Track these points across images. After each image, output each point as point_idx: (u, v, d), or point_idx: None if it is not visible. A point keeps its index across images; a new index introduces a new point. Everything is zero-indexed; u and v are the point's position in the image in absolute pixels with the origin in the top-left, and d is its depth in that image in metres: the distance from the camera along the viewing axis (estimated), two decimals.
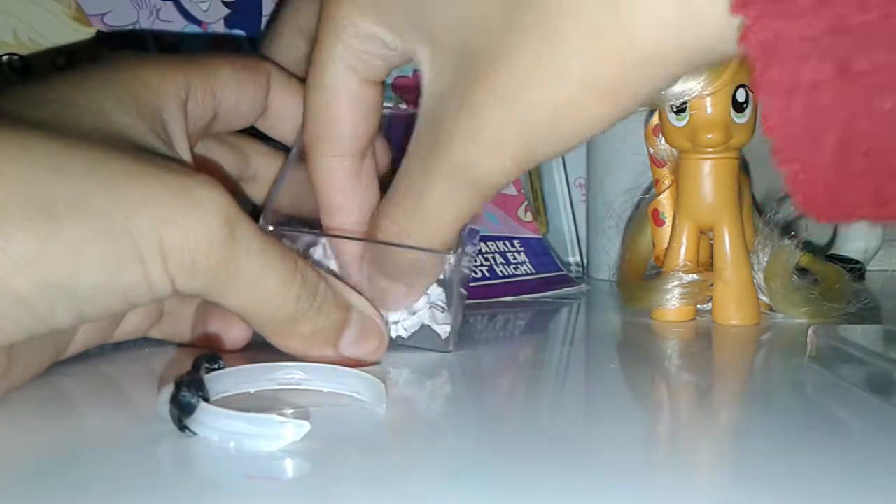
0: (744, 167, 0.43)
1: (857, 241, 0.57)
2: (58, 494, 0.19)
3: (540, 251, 0.52)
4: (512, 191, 0.52)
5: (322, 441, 0.22)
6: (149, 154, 0.26)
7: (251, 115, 0.33)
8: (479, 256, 0.48)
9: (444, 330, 0.33)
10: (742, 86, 0.39)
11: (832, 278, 0.44)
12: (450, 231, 0.28)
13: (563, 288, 0.51)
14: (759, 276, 0.41)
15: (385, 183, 0.31)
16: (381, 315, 0.31)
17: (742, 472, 0.22)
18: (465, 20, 0.25)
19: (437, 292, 0.32)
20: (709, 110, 0.39)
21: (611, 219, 0.54)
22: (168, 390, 0.23)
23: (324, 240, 0.32)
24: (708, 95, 0.38)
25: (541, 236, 0.53)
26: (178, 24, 0.48)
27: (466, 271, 0.33)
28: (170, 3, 0.47)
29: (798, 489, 0.20)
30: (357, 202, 0.31)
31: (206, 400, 0.23)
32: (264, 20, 0.49)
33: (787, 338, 0.38)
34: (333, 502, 0.19)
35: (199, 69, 0.31)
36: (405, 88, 0.44)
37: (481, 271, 0.48)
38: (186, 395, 0.22)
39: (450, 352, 0.33)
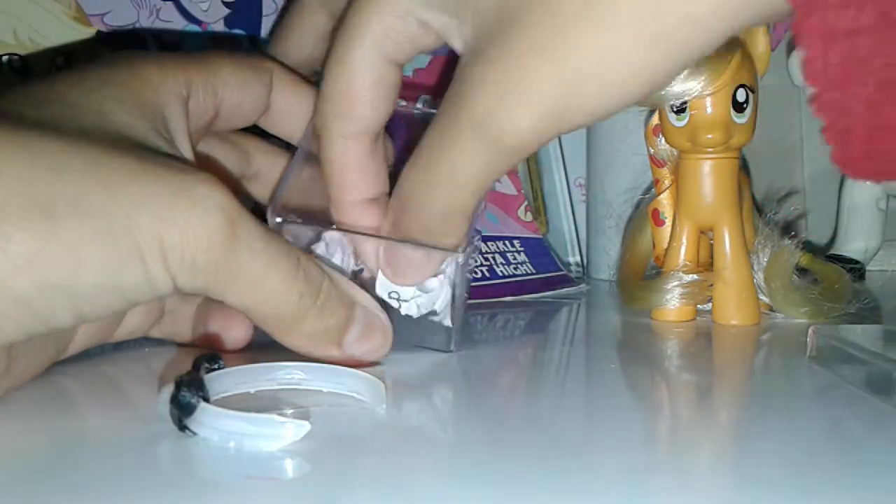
0: (744, 167, 0.43)
1: (857, 241, 0.57)
2: (58, 494, 0.19)
3: (540, 251, 0.52)
4: (512, 191, 0.52)
5: (322, 441, 0.22)
6: (149, 152, 0.26)
7: (253, 113, 0.33)
8: (479, 256, 0.48)
9: (441, 317, 0.32)
10: (742, 85, 0.39)
11: (832, 278, 0.44)
12: (470, 189, 0.28)
13: (563, 288, 0.51)
14: (759, 276, 0.41)
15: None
16: (393, 293, 0.31)
17: (742, 472, 0.22)
18: None
19: (451, 273, 0.32)
20: (709, 110, 0.39)
21: (611, 219, 0.54)
22: (168, 390, 0.23)
23: (326, 235, 0.32)
24: (708, 95, 0.38)
25: (541, 236, 0.53)
26: (177, 24, 0.48)
27: (468, 274, 0.33)
28: (170, 3, 0.47)
29: (798, 489, 0.20)
30: (370, 180, 0.31)
31: (206, 400, 0.23)
32: (264, 20, 0.49)
33: (787, 338, 0.38)
34: (333, 502, 0.19)
35: (200, 67, 0.30)
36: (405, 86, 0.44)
37: (481, 271, 0.48)
38: (186, 395, 0.22)
39: (451, 351, 0.33)
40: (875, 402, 0.27)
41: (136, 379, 0.30)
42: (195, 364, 0.25)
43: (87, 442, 0.23)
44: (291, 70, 0.34)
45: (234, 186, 0.34)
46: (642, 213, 0.46)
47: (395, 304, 0.32)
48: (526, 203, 0.52)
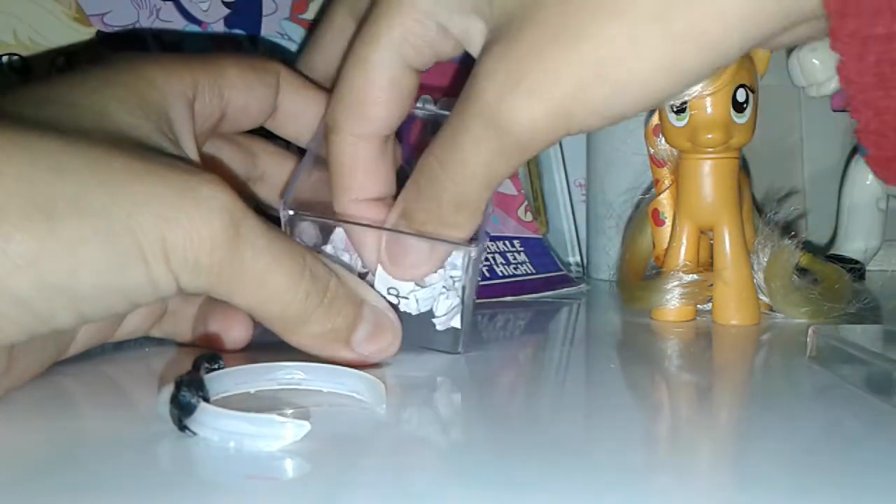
0: (744, 167, 0.43)
1: (857, 241, 0.57)
2: (58, 494, 0.19)
3: (540, 251, 0.52)
4: (512, 191, 0.52)
5: (322, 441, 0.22)
6: (152, 152, 0.26)
7: (260, 115, 0.33)
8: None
9: (442, 322, 0.32)
10: (742, 85, 0.39)
11: (832, 278, 0.44)
12: (480, 181, 0.28)
13: (563, 288, 0.51)
14: (759, 276, 0.41)
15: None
16: (391, 289, 0.31)
17: (742, 472, 0.22)
18: None
19: (450, 272, 0.32)
20: (709, 110, 0.39)
21: (611, 219, 0.54)
22: (168, 390, 0.23)
23: (335, 236, 0.32)
24: (708, 95, 0.38)
25: (541, 236, 0.53)
26: (178, 25, 0.48)
27: (477, 276, 0.33)
28: (170, 3, 0.47)
29: (798, 489, 0.20)
30: (377, 181, 0.31)
31: (206, 400, 0.23)
32: (264, 20, 0.49)
33: (787, 338, 0.38)
34: (333, 502, 0.19)
35: (206, 69, 0.30)
36: None
37: (481, 271, 0.48)
38: (186, 395, 0.22)
39: (459, 353, 0.33)
40: (875, 402, 0.27)
41: (136, 379, 0.30)
42: (195, 364, 0.25)
43: (87, 442, 0.23)
44: (299, 73, 0.34)
45: (239, 187, 0.34)
46: (642, 213, 0.46)
47: (393, 300, 0.31)
48: (526, 203, 0.52)
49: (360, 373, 0.26)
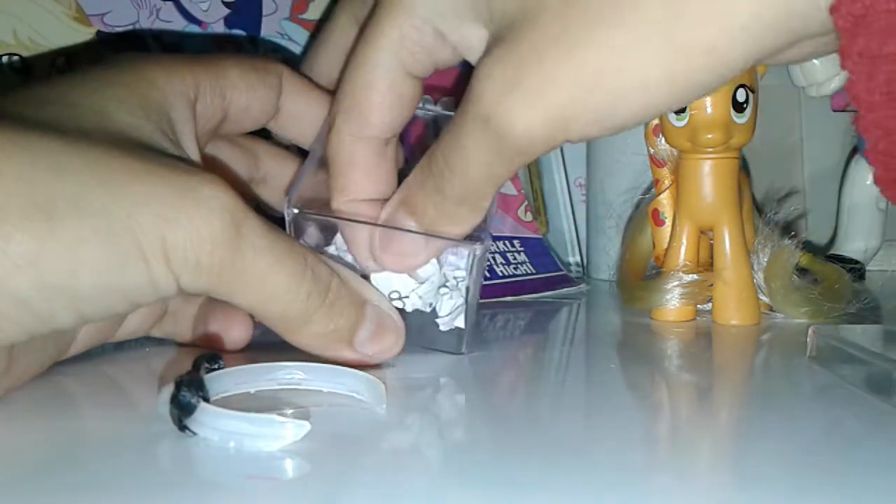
0: (744, 167, 0.43)
1: (857, 241, 0.57)
2: (58, 494, 0.19)
3: (540, 251, 0.52)
4: (512, 191, 0.52)
5: (322, 441, 0.22)
6: (153, 153, 0.26)
7: (262, 116, 0.33)
8: None
9: (446, 322, 0.32)
10: (742, 85, 0.39)
11: (832, 278, 0.44)
12: (480, 181, 0.27)
13: (563, 288, 0.51)
14: (759, 276, 0.41)
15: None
16: (393, 293, 0.31)
17: (742, 472, 0.22)
18: None
19: (454, 272, 0.32)
20: (709, 110, 0.39)
21: (611, 219, 0.54)
22: (168, 390, 0.23)
23: (338, 237, 0.32)
24: (708, 95, 0.38)
25: (541, 236, 0.53)
26: (178, 25, 0.48)
27: (481, 277, 0.33)
28: (170, 3, 0.47)
29: (798, 489, 0.20)
30: (374, 182, 0.31)
31: (206, 400, 0.23)
32: (264, 20, 0.49)
33: (787, 338, 0.38)
34: (333, 502, 0.19)
35: (208, 69, 0.30)
36: None
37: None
38: (186, 395, 0.22)
39: (463, 353, 0.33)
40: (875, 402, 0.27)
41: (136, 379, 0.30)
42: (195, 364, 0.25)
43: (87, 442, 0.23)
44: (302, 74, 0.34)
45: (241, 188, 0.34)
46: (642, 213, 0.46)
47: (399, 304, 0.31)
48: (526, 203, 0.52)
49: (360, 373, 0.26)
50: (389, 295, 0.31)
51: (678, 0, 0.22)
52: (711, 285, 0.41)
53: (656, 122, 0.42)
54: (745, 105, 0.39)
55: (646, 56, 0.23)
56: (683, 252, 0.41)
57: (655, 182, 0.44)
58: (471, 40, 0.27)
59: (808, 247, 0.44)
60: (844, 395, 0.28)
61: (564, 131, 0.25)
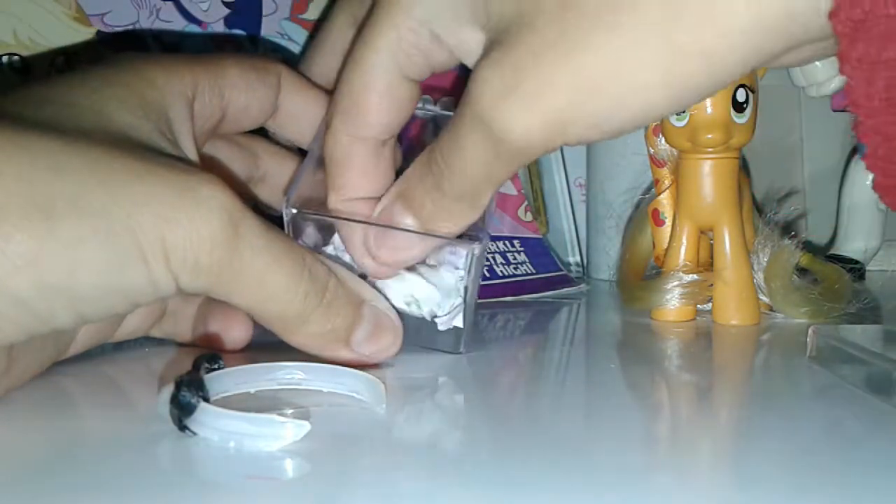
0: (744, 167, 0.43)
1: (857, 241, 0.57)
2: (58, 494, 0.19)
3: (540, 251, 0.52)
4: (512, 191, 0.52)
5: (322, 441, 0.22)
6: (152, 153, 0.26)
7: (261, 115, 0.33)
8: None
9: (445, 321, 0.32)
10: (742, 85, 0.39)
11: (832, 278, 0.44)
12: (483, 179, 0.27)
13: (563, 288, 0.51)
14: (759, 276, 0.41)
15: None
16: (408, 299, 0.31)
17: (742, 472, 0.22)
18: None
19: (464, 274, 0.32)
20: (709, 110, 0.39)
21: (611, 219, 0.54)
22: (168, 390, 0.23)
23: (336, 237, 0.32)
24: (707, 99, 0.38)
25: (541, 236, 0.53)
26: (178, 25, 0.48)
27: (480, 276, 0.33)
28: (170, 3, 0.47)
29: (798, 489, 0.20)
30: (370, 182, 0.31)
31: (206, 400, 0.23)
32: (264, 20, 0.49)
33: (787, 338, 0.38)
34: (333, 502, 0.19)
35: (206, 69, 0.30)
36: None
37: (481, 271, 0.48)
38: (186, 395, 0.22)
39: (461, 353, 0.33)
40: (875, 402, 0.27)
41: (136, 379, 0.30)
42: (195, 364, 0.25)
43: (87, 442, 0.23)
44: (300, 73, 0.34)
45: (239, 188, 0.34)
46: (642, 213, 0.46)
47: (415, 309, 0.31)
48: (526, 203, 0.52)
49: (360, 373, 0.26)
50: (405, 302, 0.31)
51: (676, 4, 0.22)
52: (711, 285, 0.41)
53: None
54: (745, 105, 0.39)
55: (643, 61, 0.23)
56: (683, 252, 0.41)
57: (655, 182, 0.44)
58: (468, 43, 0.27)
59: (808, 247, 0.44)
60: (844, 395, 0.28)
61: (562, 135, 0.25)
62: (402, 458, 0.22)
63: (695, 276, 0.41)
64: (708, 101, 0.38)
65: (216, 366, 0.25)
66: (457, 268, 0.32)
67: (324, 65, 0.34)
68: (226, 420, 0.22)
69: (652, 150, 0.43)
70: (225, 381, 0.25)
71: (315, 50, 0.34)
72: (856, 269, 0.53)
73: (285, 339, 0.28)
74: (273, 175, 0.35)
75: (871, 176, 0.22)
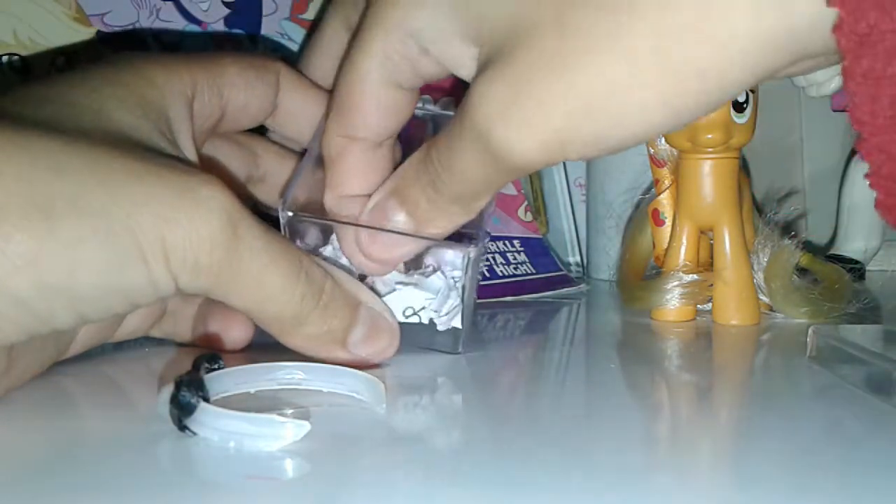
0: (744, 167, 0.43)
1: (857, 241, 0.57)
2: (58, 494, 0.19)
3: (540, 251, 0.52)
4: (512, 191, 0.52)
5: (322, 441, 0.22)
6: (151, 153, 0.26)
7: (260, 114, 0.33)
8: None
9: (443, 322, 0.32)
10: None
11: (832, 278, 0.44)
12: (479, 187, 0.27)
13: (563, 288, 0.51)
14: (759, 276, 0.41)
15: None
16: (407, 309, 0.31)
17: (742, 472, 0.22)
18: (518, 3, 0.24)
19: (450, 272, 0.32)
20: None
21: (611, 219, 0.54)
22: (168, 390, 0.23)
23: (334, 237, 0.32)
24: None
25: (541, 236, 0.53)
26: (177, 25, 0.48)
27: (478, 275, 0.33)
28: (170, 3, 0.47)
29: (798, 489, 0.20)
30: (366, 183, 0.31)
31: (206, 400, 0.23)
32: (264, 20, 0.49)
33: (787, 338, 0.38)
34: (333, 502, 0.19)
35: (205, 68, 0.30)
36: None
37: (481, 271, 0.48)
38: (186, 395, 0.22)
39: (459, 353, 0.33)
40: (875, 402, 0.27)
41: (136, 379, 0.30)
42: (195, 364, 0.25)
43: (87, 442, 0.23)
44: (299, 72, 0.34)
45: (238, 188, 0.34)
46: (642, 213, 0.46)
47: (415, 319, 0.32)
48: (526, 203, 0.52)
49: (360, 373, 0.26)
50: (404, 313, 0.31)
51: (673, 24, 0.21)
52: (711, 285, 0.41)
53: None
54: (745, 105, 0.39)
55: (641, 81, 0.22)
56: (683, 252, 0.41)
57: (655, 182, 0.44)
58: (459, 58, 0.27)
59: (808, 247, 0.44)
60: (844, 395, 0.28)
61: (561, 153, 0.24)
62: (402, 458, 0.22)
63: (695, 276, 0.41)
64: None
65: (216, 366, 0.25)
66: (454, 269, 0.32)
67: (318, 67, 0.34)
68: (226, 420, 0.22)
69: (652, 150, 0.43)
70: (225, 381, 0.25)
71: (309, 54, 0.34)
72: (856, 269, 0.53)
73: (282, 340, 0.28)
74: (273, 174, 0.35)
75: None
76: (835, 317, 0.41)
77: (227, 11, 0.48)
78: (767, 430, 0.25)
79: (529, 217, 0.53)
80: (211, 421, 0.22)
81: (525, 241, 0.52)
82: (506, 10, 0.24)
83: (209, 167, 0.32)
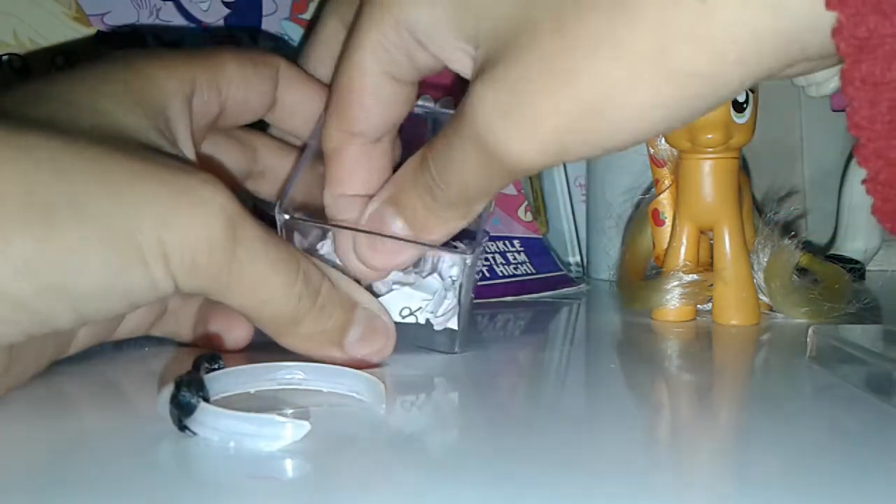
0: (744, 167, 0.43)
1: (857, 241, 0.57)
2: (58, 495, 0.19)
3: (540, 251, 0.52)
4: (512, 191, 0.52)
5: (322, 441, 0.22)
6: (150, 153, 0.26)
7: (259, 109, 0.33)
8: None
9: (440, 322, 0.32)
10: None
11: (832, 278, 0.44)
12: (476, 191, 0.27)
13: (563, 288, 0.51)
14: (759, 276, 0.41)
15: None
16: (404, 310, 0.31)
17: (742, 472, 0.22)
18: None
19: (448, 273, 0.32)
20: None
21: (611, 219, 0.54)
22: (168, 390, 0.23)
23: (331, 233, 0.32)
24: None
25: (541, 236, 0.53)
26: (177, 25, 0.48)
27: (475, 275, 0.33)
28: (170, 3, 0.47)
29: (798, 489, 0.20)
30: (363, 180, 0.30)
31: (206, 400, 0.23)
32: (264, 20, 0.49)
33: (787, 338, 0.38)
34: (333, 502, 0.19)
35: (204, 64, 0.30)
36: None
37: (481, 271, 0.48)
38: (186, 395, 0.22)
39: (456, 353, 0.33)
40: (875, 402, 0.27)
41: (136, 379, 0.30)
42: (195, 364, 0.25)
43: (87, 442, 0.23)
44: (299, 67, 0.33)
45: (237, 187, 0.34)
46: (642, 213, 0.46)
47: (412, 319, 0.32)
48: (526, 203, 0.52)
49: (360, 373, 0.26)
50: (401, 314, 0.32)
51: (672, 28, 0.21)
52: (711, 285, 0.41)
53: None
54: (745, 105, 0.39)
55: (640, 84, 0.22)
56: (683, 252, 0.41)
57: (655, 182, 0.44)
58: (454, 54, 0.27)
59: (808, 247, 0.44)
60: (844, 395, 0.28)
61: (561, 155, 0.24)
62: (403, 458, 0.22)
63: (695, 276, 0.41)
64: None
65: (216, 366, 0.25)
66: (451, 270, 0.32)
67: (318, 65, 0.34)
68: (226, 420, 0.22)
69: (652, 150, 0.43)
70: (225, 381, 0.25)
71: (308, 51, 0.34)
72: (856, 269, 0.53)
73: (278, 340, 0.28)
74: (272, 169, 0.35)
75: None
76: (835, 317, 0.41)
77: (227, 11, 0.48)
78: (767, 431, 0.25)
79: (529, 217, 0.53)
80: (211, 421, 0.22)
81: (525, 241, 0.52)
82: (505, 11, 0.24)
83: (208, 165, 0.32)
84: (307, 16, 0.49)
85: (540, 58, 0.23)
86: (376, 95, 0.29)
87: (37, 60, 0.45)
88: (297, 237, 0.33)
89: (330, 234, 0.32)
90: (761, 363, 0.36)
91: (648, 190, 0.47)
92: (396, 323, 0.31)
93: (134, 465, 0.21)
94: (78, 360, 0.30)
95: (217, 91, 0.31)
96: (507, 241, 0.51)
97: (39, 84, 0.27)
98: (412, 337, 0.32)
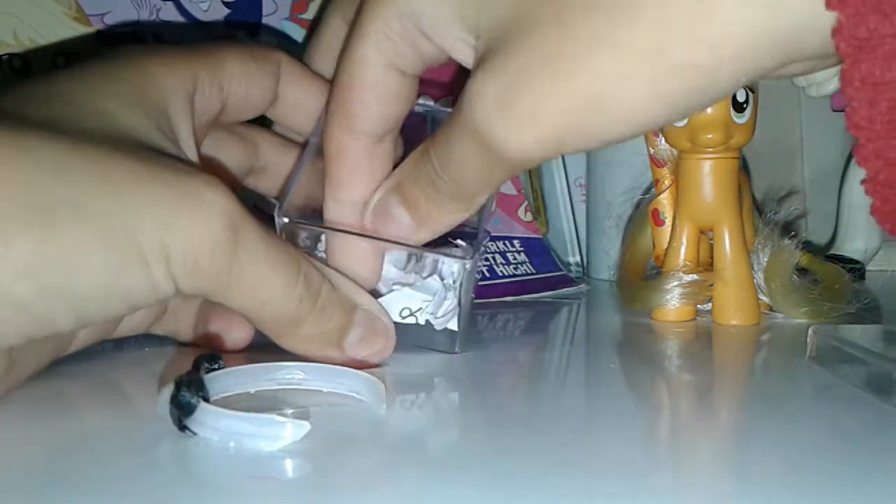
0: (744, 167, 0.43)
1: (857, 241, 0.57)
2: (58, 495, 0.19)
3: (540, 251, 0.52)
4: (512, 191, 0.52)
5: (322, 441, 0.22)
6: (152, 154, 0.26)
7: (261, 104, 0.32)
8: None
9: (440, 323, 0.32)
10: None
11: (832, 278, 0.44)
12: (477, 184, 0.27)
13: (563, 288, 0.51)
14: (759, 276, 0.41)
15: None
16: (404, 310, 0.31)
17: (742, 472, 0.22)
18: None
19: (448, 272, 0.32)
20: (708, 110, 0.39)
21: (611, 219, 0.54)
22: (168, 390, 0.23)
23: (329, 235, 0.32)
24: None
25: (541, 236, 0.53)
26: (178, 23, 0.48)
27: (476, 275, 0.33)
28: (170, 3, 0.47)
29: (798, 489, 0.20)
30: (362, 181, 0.30)
31: (206, 400, 0.23)
32: (264, 20, 0.49)
33: (787, 338, 0.38)
34: (333, 502, 0.19)
35: (205, 60, 0.30)
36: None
37: (481, 271, 0.48)
38: (186, 395, 0.22)
39: (456, 353, 0.33)
40: (875, 402, 0.27)
41: (136, 379, 0.30)
42: (195, 364, 0.25)
43: (87, 442, 0.23)
44: (300, 62, 0.33)
45: (237, 185, 0.34)
46: (642, 213, 0.46)
47: (412, 320, 0.32)
48: (526, 203, 0.52)
49: (361, 373, 0.26)
50: (401, 314, 0.32)
51: (672, 27, 0.22)
52: (711, 285, 0.41)
53: None
54: (745, 105, 0.39)
55: (639, 78, 0.22)
56: (683, 252, 0.41)
57: (655, 182, 0.44)
58: (456, 44, 0.27)
59: (808, 247, 0.44)
60: (844, 395, 0.28)
61: (559, 147, 0.25)
62: (403, 458, 0.22)
63: (695, 276, 0.41)
64: None
65: (216, 366, 0.25)
66: (452, 270, 0.32)
67: (321, 64, 0.34)
68: (226, 420, 0.22)
69: (652, 150, 0.43)
70: (225, 381, 0.25)
71: (311, 51, 0.34)
72: (856, 269, 0.53)
73: (278, 342, 0.28)
74: (274, 165, 0.34)
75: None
76: (835, 317, 0.41)
77: (227, 11, 0.48)
78: (767, 431, 0.25)
79: (529, 217, 0.53)
80: (211, 421, 0.22)
81: (525, 241, 0.52)
82: (507, 3, 0.24)
83: (209, 165, 0.32)
84: (307, 16, 0.49)
85: (540, 53, 0.23)
86: (379, 90, 0.29)
87: (37, 60, 0.45)
88: (297, 238, 0.33)
89: (323, 237, 0.32)
90: (761, 363, 0.36)
91: (648, 190, 0.47)
92: (396, 323, 0.31)
93: (134, 465, 0.21)
94: (78, 360, 0.30)
95: (218, 87, 0.30)
96: (507, 241, 0.51)
97: (39, 84, 0.27)
98: (412, 337, 0.32)
